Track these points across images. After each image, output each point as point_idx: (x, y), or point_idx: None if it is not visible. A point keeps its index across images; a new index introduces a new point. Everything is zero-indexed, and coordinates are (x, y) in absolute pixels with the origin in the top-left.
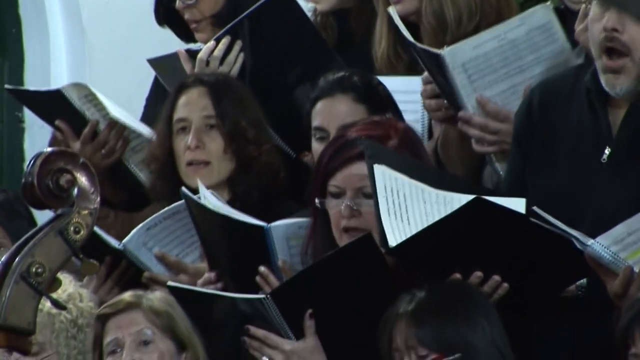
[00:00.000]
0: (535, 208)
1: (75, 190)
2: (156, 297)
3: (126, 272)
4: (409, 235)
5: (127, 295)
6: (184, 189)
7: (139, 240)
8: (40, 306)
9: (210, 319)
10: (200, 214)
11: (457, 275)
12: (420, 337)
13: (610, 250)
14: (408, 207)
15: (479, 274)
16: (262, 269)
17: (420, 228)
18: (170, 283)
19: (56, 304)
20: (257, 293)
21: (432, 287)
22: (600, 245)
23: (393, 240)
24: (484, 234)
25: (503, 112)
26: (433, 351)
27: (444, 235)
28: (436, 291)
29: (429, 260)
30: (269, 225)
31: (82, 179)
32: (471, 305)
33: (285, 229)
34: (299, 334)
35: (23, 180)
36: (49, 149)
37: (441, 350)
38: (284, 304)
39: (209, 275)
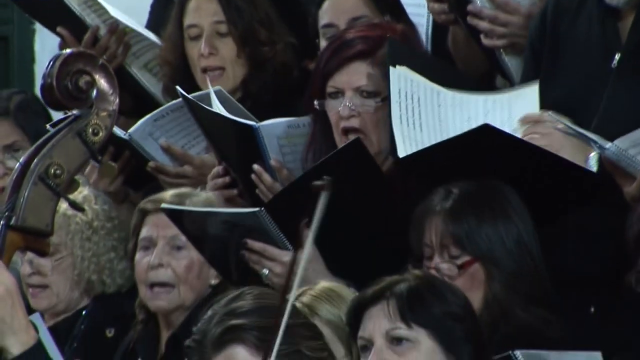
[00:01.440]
0: (551, 113)
1: (94, 91)
2: (200, 199)
3: (129, 163)
4: (419, 144)
5: (170, 195)
6: (178, 87)
7: (145, 130)
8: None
9: (209, 236)
10: (200, 113)
11: None
12: (457, 235)
13: (628, 153)
14: (422, 112)
15: None
16: (255, 166)
17: (432, 136)
18: (163, 205)
19: (74, 205)
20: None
21: (467, 185)
22: (618, 148)
23: (402, 151)
24: (490, 156)
25: (511, 4)
26: (466, 252)
27: (451, 153)
28: (472, 189)
29: (435, 174)
30: (258, 124)
31: (101, 81)
32: (507, 204)
33: (274, 128)
34: (297, 245)
35: (42, 82)
36: (69, 50)
37: (474, 251)
38: (279, 215)
39: (217, 169)
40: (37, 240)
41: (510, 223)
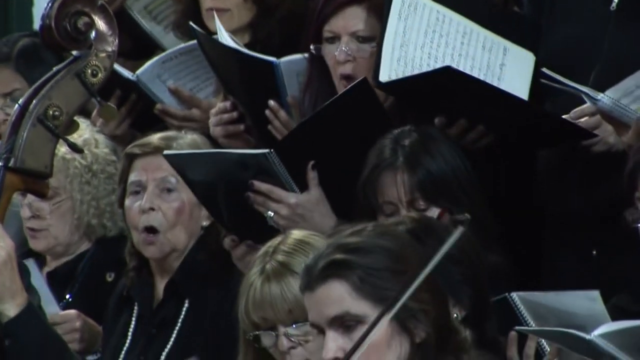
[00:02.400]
0: (544, 70)
1: (93, 33)
2: (186, 141)
3: (135, 106)
4: (400, 75)
5: (157, 138)
6: (191, 23)
7: (153, 72)
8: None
9: (211, 181)
10: (212, 49)
11: (442, 120)
12: (424, 188)
13: (620, 103)
14: (418, 41)
15: (462, 122)
16: (271, 102)
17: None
18: (166, 152)
19: (73, 147)
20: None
21: (411, 134)
22: (610, 99)
23: (385, 76)
24: (460, 95)
25: None
26: (433, 204)
27: (425, 88)
28: (418, 139)
29: (415, 104)
30: (278, 60)
31: (100, 22)
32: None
33: (294, 65)
34: (303, 187)
35: (40, 23)
36: None
37: (440, 200)
38: (287, 156)
39: (223, 104)
40: (36, 182)
41: (456, 160)
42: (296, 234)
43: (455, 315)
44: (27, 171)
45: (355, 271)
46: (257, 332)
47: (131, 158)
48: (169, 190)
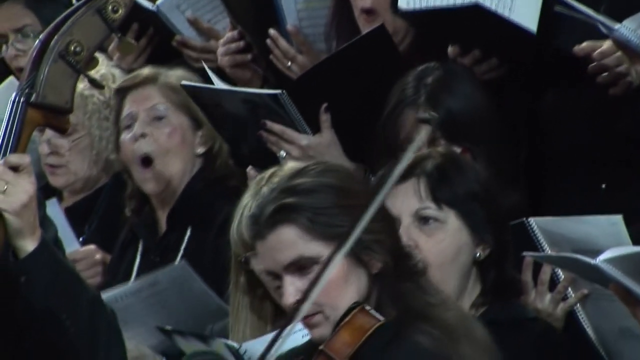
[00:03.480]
0: None
1: None
2: (175, 73)
3: (153, 40)
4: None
5: (145, 70)
6: None
7: (172, 2)
8: None
9: (228, 117)
10: None
11: (456, 49)
12: (445, 127)
13: (638, 33)
14: None
15: (476, 52)
16: (271, 31)
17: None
18: (184, 83)
19: (94, 82)
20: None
21: (435, 71)
22: (627, 29)
23: (404, 4)
24: (479, 28)
25: None
26: (454, 142)
27: (447, 20)
28: (441, 76)
29: (430, 33)
30: None
31: None
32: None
33: None
34: (315, 129)
35: None
36: None
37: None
38: (299, 98)
39: (231, 34)
40: (56, 117)
41: (479, 99)
42: (292, 164)
43: (478, 254)
44: (49, 106)
45: (304, 213)
46: (248, 254)
47: (122, 94)
48: (160, 118)
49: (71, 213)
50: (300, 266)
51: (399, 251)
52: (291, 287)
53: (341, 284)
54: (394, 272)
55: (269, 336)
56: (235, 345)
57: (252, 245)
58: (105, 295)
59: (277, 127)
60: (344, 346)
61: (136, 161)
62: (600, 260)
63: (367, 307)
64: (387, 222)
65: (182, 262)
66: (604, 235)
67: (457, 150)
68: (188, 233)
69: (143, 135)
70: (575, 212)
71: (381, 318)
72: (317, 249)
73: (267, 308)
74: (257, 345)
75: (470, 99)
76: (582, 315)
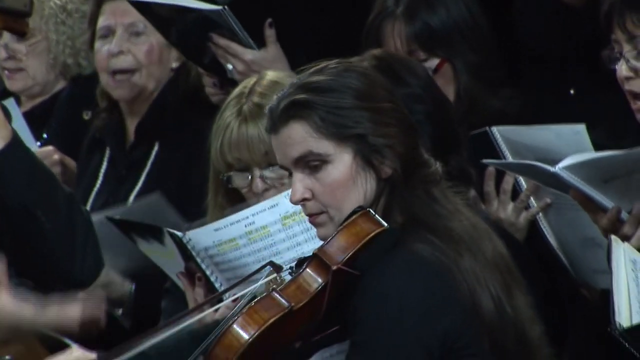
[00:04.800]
0: None
1: None
2: None
3: None
4: None
5: None
6: None
7: None
8: None
9: (177, 27)
10: None
11: None
12: (421, 37)
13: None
14: None
15: None
16: None
17: None
18: None
19: None
20: None
21: None
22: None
23: None
24: None
25: None
26: (432, 54)
27: None
28: None
29: None
30: None
31: None
32: None
33: None
34: (261, 44)
35: None
36: None
37: (439, 49)
38: (243, 14)
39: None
40: (16, 20)
41: (460, 11)
42: (270, 74)
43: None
44: (7, 10)
45: (317, 110)
46: (231, 173)
47: (99, 1)
48: (138, 34)
49: (29, 118)
50: (309, 163)
51: (412, 159)
52: (299, 184)
53: (347, 185)
54: (405, 179)
55: (213, 225)
56: (179, 234)
57: (269, 135)
58: None
59: (222, 41)
60: (338, 251)
61: (109, 73)
62: (559, 167)
63: (372, 212)
64: (403, 128)
65: (157, 194)
66: (567, 144)
67: (436, 61)
68: (156, 148)
69: (121, 52)
70: (544, 117)
71: (385, 224)
72: (326, 147)
73: None
74: (200, 234)
75: (452, 10)
76: (544, 225)
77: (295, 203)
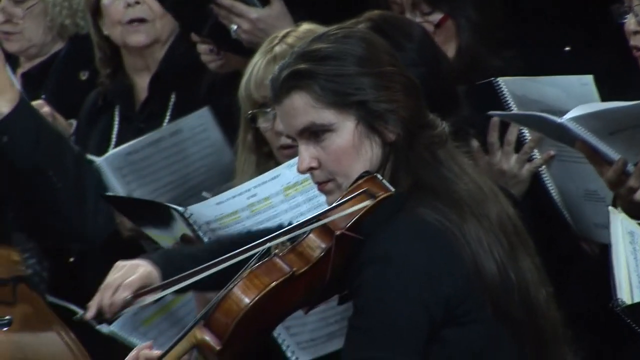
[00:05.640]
0: None
1: None
2: None
3: None
4: None
5: None
6: None
7: None
8: None
9: None
10: None
11: None
12: None
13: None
14: None
15: None
16: None
17: None
18: None
19: None
20: None
21: None
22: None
23: None
24: None
25: None
26: (437, 9)
27: None
28: None
29: None
30: None
31: None
32: None
33: None
34: (266, 2)
35: None
36: None
37: (443, 5)
38: None
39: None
40: None
41: None
42: (307, 24)
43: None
44: None
45: (317, 80)
46: (256, 110)
47: None
48: None
49: (27, 78)
50: (313, 132)
51: (417, 121)
52: (305, 153)
53: (352, 152)
54: (409, 143)
55: (215, 199)
56: (180, 208)
57: (260, 103)
58: (121, 147)
59: (226, 1)
60: (343, 216)
61: (124, 23)
62: (566, 118)
63: (379, 177)
64: (406, 91)
65: (205, 108)
66: (573, 96)
67: (439, 15)
68: (173, 99)
69: (137, 2)
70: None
71: (391, 189)
72: (328, 117)
73: (272, 166)
74: (202, 208)
75: None
76: (547, 177)
77: (302, 172)
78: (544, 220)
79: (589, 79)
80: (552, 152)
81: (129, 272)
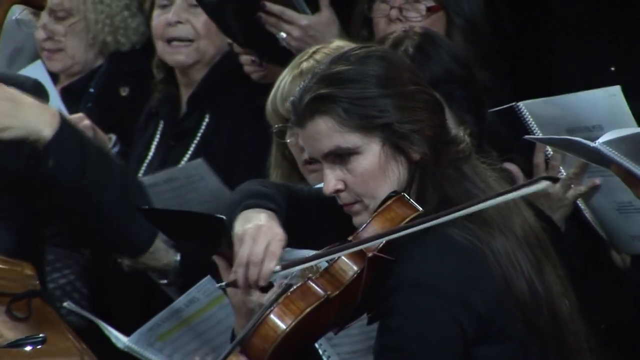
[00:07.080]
0: None
1: None
2: None
3: None
4: None
5: None
6: None
7: None
8: None
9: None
10: None
11: None
12: None
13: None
14: None
15: None
16: None
17: None
18: None
19: None
20: None
21: None
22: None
23: None
24: None
25: None
26: None
27: None
28: None
29: None
30: None
31: None
32: None
33: None
34: (315, 9)
35: None
36: None
37: None
38: None
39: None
40: None
41: None
42: (339, 41)
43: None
44: None
45: (340, 103)
46: (282, 125)
47: None
48: (196, 5)
49: (66, 93)
50: (338, 155)
51: (441, 138)
52: (331, 176)
53: (378, 174)
54: (435, 160)
55: None
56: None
57: (286, 118)
58: None
59: (276, 8)
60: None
61: (165, 40)
62: (599, 142)
63: (407, 197)
64: (429, 109)
65: (200, 160)
66: (601, 108)
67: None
68: (206, 119)
69: (179, 22)
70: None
71: (419, 208)
72: (353, 140)
73: (295, 180)
74: None
75: None
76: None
77: (328, 195)
78: (589, 242)
79: (616, 89)
80: (597, 182)
81: (268, 235)
